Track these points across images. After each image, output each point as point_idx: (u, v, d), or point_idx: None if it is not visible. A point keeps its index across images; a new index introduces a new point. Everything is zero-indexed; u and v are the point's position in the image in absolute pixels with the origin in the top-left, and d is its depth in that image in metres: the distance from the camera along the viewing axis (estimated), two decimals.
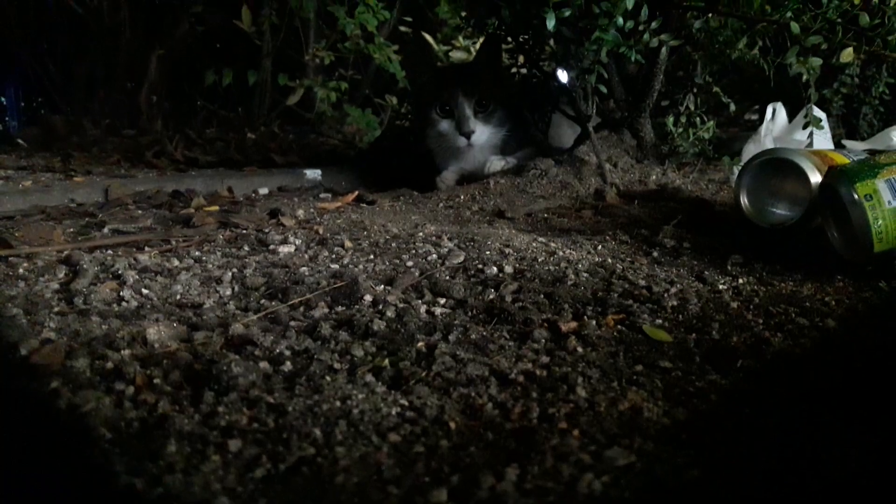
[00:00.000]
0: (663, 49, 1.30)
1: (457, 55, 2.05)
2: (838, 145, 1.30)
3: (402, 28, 2.23)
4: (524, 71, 1.62)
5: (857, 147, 1.20)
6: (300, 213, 1.18)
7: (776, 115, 1.30)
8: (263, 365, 0.57)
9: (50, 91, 2.61)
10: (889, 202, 0.76)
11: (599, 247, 0.96)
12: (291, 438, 0.46)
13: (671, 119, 1.38)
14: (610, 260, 0.88)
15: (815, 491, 0.40)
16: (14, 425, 0.54)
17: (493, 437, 0.46)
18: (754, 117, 1.91)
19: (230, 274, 0.83)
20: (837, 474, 0.42)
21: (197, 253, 0.93)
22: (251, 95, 2.38)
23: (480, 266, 0.84)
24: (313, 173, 1.70)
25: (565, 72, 1.40)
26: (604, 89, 1.32)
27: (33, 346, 0.60)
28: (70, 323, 0.66)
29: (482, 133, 1.47)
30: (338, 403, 0.50)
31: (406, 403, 0.51)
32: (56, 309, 0.71)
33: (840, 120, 1.56)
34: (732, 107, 1.35)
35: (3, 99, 2.99)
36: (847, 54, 1.12)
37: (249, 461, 0.43)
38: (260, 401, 0.51)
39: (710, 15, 1.29)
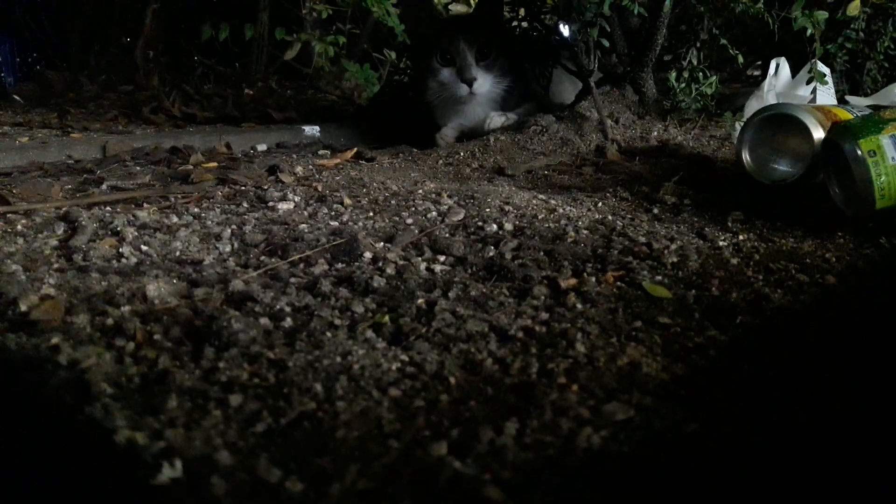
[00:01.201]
0: (666, 2, 1.27)
1: (457, 8, 2.01)
2: (842, 101, 1.29)
3: None
4: (525, 25, 1.59)
5: (860, 103, 1.19)
6: (299, 169, 1.17)
7: (779, 71, 1.28)
8: (264, 321, 0.57)
9: (45, 46, 2.57)
10: (893, 158, 0.75)
11: (600, 204, 0.95)
12: (292, 393, 0.46)
13: (674, 74, 1.37)
14: (610, 217, 0.87)
15: (814, 445, 0.41)
16: (14, 381, 0.54)
17: (492, 392, 0.47)
18: (757, 73, 1.89)
19: (229, 230, 0.83)
20: (837, 428, 0.42)
21: (196, 209, 0.92)
22: (248, 50, 2.34)
23: (480, 223, 0.84)
24: (312, 130, 1.69)
25: (567, 25, 1.38)
26: (606, 43, 1.30)
27: (33, 301, 0.60)
28: (69, 279, 0.66)
29: (484, 81, 1.45)
30: (338, 359, 0.51)
31: (406, 359, 0.51)
32: (55, 265, 0.71)
33: (844, 75, 1.54)
34: (740, 59, 1.33)
35: None
36: (853, 7, 1.10)
37: (250, 416, 0.44)
38: (260, 356, 0.51)
39: None
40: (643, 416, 0.43)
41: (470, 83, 1.43)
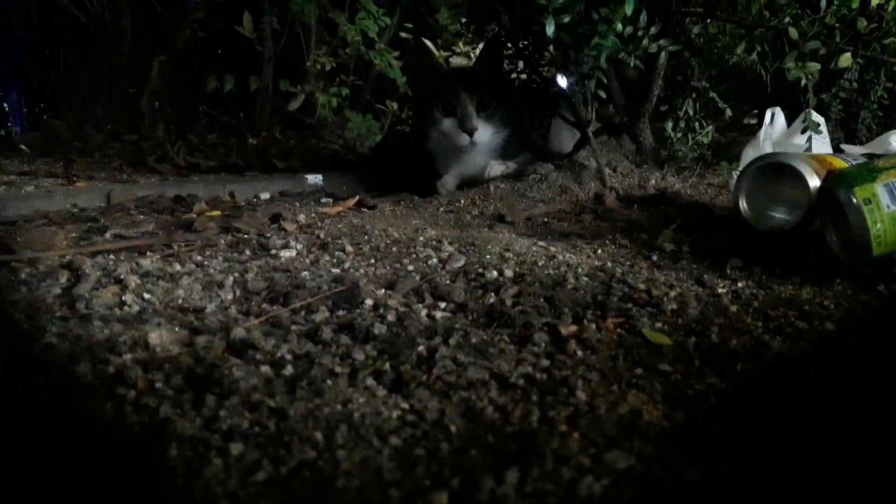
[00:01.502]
0: (662, 54, 1.30)
1: (457, 61, 2.05)
2: (837, 150, 1.31)
3: (403, 34, 2.23)
4: (524, 76, 1.63)
5: (855, 151, 1.21)
6: (301, 217, 1.19)
7: (775, 120, 1.31)
8: (265, 369, 0.58)
9: (52, 96, 2.62)
10: (888, 206, 0.76)
11: (599, 251, 0.96)
12: (293, 442, 0.46)
13: (670, 124, 1.39)
14: (609, 264, 0.88)
15: (815, 492, 0.40)
16: (17, 428, 0.54)
17: (493, 440, 0.47)
18: (753, 122, 1.92)
19: (232, 278, 0.83)
20: (837, 476, 0.42)
21: (199, 257, 0.93)
22: (253, 101, 2.38)
23: (481, 270, 0.84)
24: (315, 178, 1.71)
25: (565, 77, 1.41)
26: (603, 94, 1.33)
27: (35, 351, 0.60)
28: (72, 328, 0.67)
29: (484, 131, 1.47)
30: (339, 407, 0.51)
31: (407, 407, 0.51)
32: (58, 314, 0.71)
33: (839, 124, 1.57)
34: (728, 112, 1.35)
35: (5, 104, 3.00)
36: (845, 59, 1.13)
37: (251, 465, 0.44)
38: (261, 404, 0.51)
39: (708, 20, 1.30)
40: (644, 465, 0.42)
41: (471, 133, 1.46)
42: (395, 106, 2.29)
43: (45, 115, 2.72)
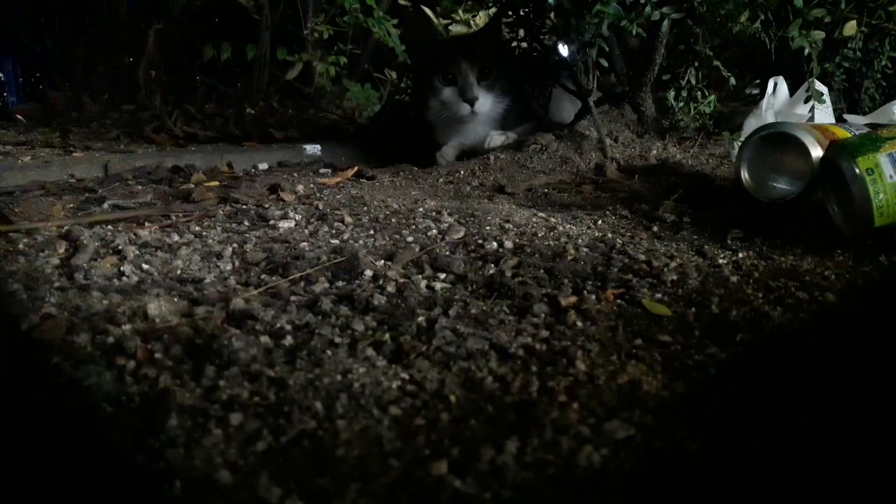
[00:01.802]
0: (665, 22, 1.28)
1: (456, 29, 2.03)
2: (840, 119, 1.30)
3: (402, 2, 2.20)
4: (525, 45, 1.61)
5: (858, 121, 1.20)
6: (300, 188, 1.18)
7: (777, 90, 1.29)
8: (264, 339, 0.58)
9: (48, 66, 2.59)
10: (890, 176, 0.76)
11: (599, 222, 0.95)
12: (292, 412, 0.46)
13: (672, 93, 1.37)
14: (610, 235, 0.88)
15: (814, 462, 0.41)
16: (17, 400, 0.54)
17: (493, 410, 0.47)
18: (755, 91, 1.90)
19: (230, 249, 0.83)
20: (836, 446, 0.42)
21: (197, 228, 0.93)
22: (250, 70, 2.36)
23: (480, 241, 0.84)
24: (313, 148, 1.70)
25: (566, 45, 1.39)
26: (605, 63, 1.31)
27: (34, 321, 0.60)
28: (71, 298, 0.66)
29: (485, 101, 1.46)
30: (339, 377, 0.51)
31: (407, 377, 0.51)
32: (56, 284, 0.71)
33: (842, 94, 1.55)
34: (732, 81, 1.34)
35: (1, 74, 2.97)
36: (850, 27, 1.11)
37: (251, 435, 0.44)
38: (261, 375, 0.51)
39: None
40: (644, 435, 0.43)
41: (472, 102, 1.44)
42: (394, 75, 2.26)
43: (41, 85, 2.69)
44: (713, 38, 1.35)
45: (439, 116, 1.53)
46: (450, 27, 2.05)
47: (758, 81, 1.82)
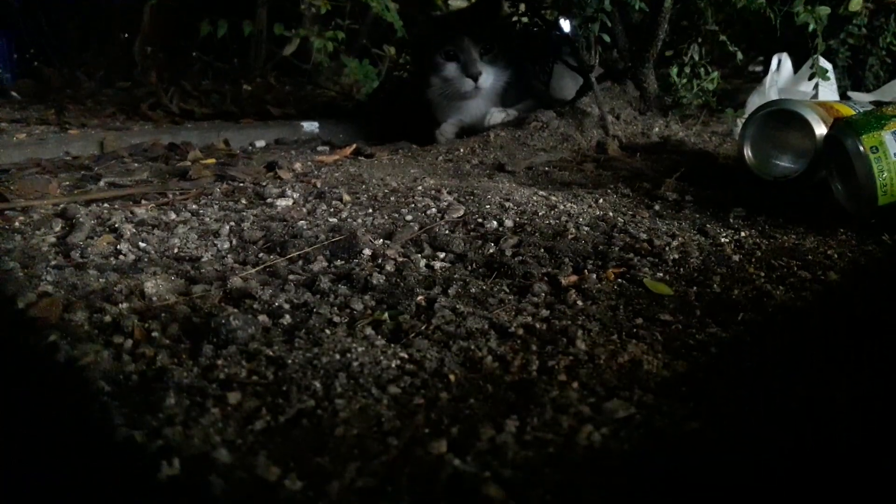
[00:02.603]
0: None
1: (456, 3, 2.00)
2: (844, 97, 1.28)
3: None
4: (526, 20, 1.59)
5: (863, 99, 1.19)
6: (297, 166, 1.17)
7: (781, 66, 1.28)
8: (262, 318, 0.57)
9: (43, 42, 2.56)
10: (895, 154, 0.75)
11: (601, 200, 0.95)
12: (291, 391, 0.46)
13: (675, 70, 1.36)
14: (611, 213, 0.87)
15: (815, 442, 0.40)
16: (13, 379, 0.54)
17: (492, 390, 0.46)
18: (759, 69, 1.88)
19: (228, 227, 0.82)
20: (837, 426, 0.42)
21: (194, 206, 0.92)
22: (247, 46, 2.33)
23: (480, 220, 0.83)
24: (310, 126, 1.68)
25: (568, 20, 1.37)
26: (607, 38, 1.29)
27: (31, 299, 0.60)
28: (67, 276, 0.66)
29: (488, 76, 1.44)
30: (337, 356, 0.50)
31: (406, 356, 0.51)
32: (53, 262, 0.71)
33: (846, 71, 1.53)
34: (740, 56, 1.32)
35: None
36: (855, 3, 1.09)
37: (249, 414, 0.43)
38: (259, 354, 0.51)
39: None
40: (644, 414, 0.42)
41: (475, 78, 1.43)
42: (393, 51, 2.24)
43: (36, 61, 2.67)
44: (717, 14, 1.34)
45: (441, 93, 1.51)
46: (449, 2, 2.02)
47: (761, 58, 1.80)
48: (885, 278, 0.67)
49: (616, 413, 0.42)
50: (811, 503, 0.36)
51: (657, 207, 0.91)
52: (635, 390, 0.45)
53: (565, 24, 1.38)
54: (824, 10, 1.12)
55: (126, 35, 2.39)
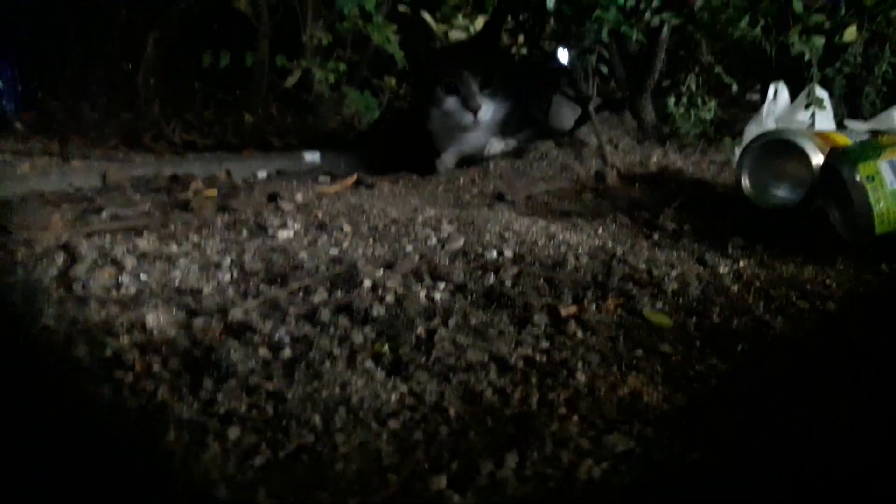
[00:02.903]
0: (665, 28, 1.28)
1: (456, 35, 2.03)
2: (840, 125, 1.29)
3: (401, 7, 2.20)
4: (525, 51, 1.61)
5: (859, 127, 1.19)
6: (299, 196, 1.18)
7: (778, 95, 1.29)
8: (262, 351, 0.57)
9: (47, 74, 2.59)
10: (891, 183, 0.75)
11: (600, 230, 0.95)
12: (290, 426, 0.46)
13: (672, 99, 1.37)
14: (610, 243, 0.87)
15: (815, 474, 0.40)
16: (14, 414, 0.54)
17: (492, 423, 0.46)
18: (756, 97, 1.90)
19: (229, 259, 0.82)
20: (837, 457, 0.42)
21: (195, 238, 0.92)
22: (249, 78, 2.35)
23: (480, 250, 0.84)
24: (312, 156, 1.69)
25: (566, 51, 1.39)
26: (605, 69, 1.31)
27: (32, 334, 0.60)
28: (69, 310, 0.66)
29: (488, 109, 1.45)
30: (337, 390, 0.50)
31: (406, 390, 0.51)
32: (55, 296, 0.71)
33: (843, 100, 1.55)
34: (735, 87, 1.34)
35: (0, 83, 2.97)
36: (850, 33, 1.11)
37: (249, 449, 0.43)
38: (259, 388, 0.51)
39: None
40: (644, 447, 0.42)
41: (475, 112, 1.44)
42: (393, 82, 2.26)
43: (40, 92, 2.70)
44: (714, 44, 1.35)
45: (441, 125, 1.53)
46: (448, 33, 2.05)
47: (759, 87, 1.82)
48: (883, 307, 0.67)
49: (616, 447, 0.42)
50: None
51: (656, 237, 0.91)
52: (635, 423, 0.45)
53: (563, 55, 1.40)
54: (819, 41, 1.14)
55: (129, 66, 2.42)
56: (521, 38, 1.63)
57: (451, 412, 0.48)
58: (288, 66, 2.12)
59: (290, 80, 2.05)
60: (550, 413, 0.47)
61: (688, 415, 0.47)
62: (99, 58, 2.46)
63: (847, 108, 1.56)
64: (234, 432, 0.45)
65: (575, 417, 0.46)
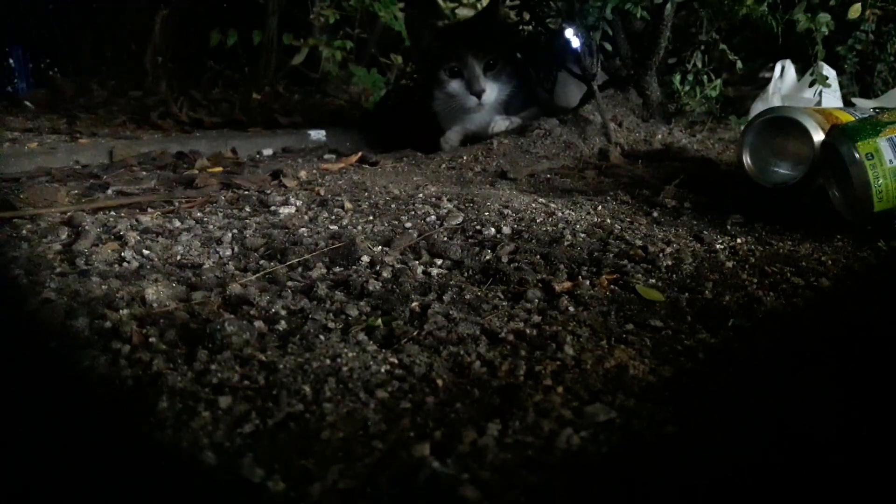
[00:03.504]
0: (669, 5, 1.27)
1: (463, 12, 2.02)
2: (849, 103, 1.28)
3: None
4: (529, 28, 1.60)
5: (866, 105, 1.18)
6: (302, 174, 1.18)
7: (785, 73, 1.28)
8: (259, 324, 0.58)
9: (57, 53, 2.60)
10: (890, 161, 0.75)
11: (599, 207, 0.95)
12: (281, 395, 0.47)
13: (678, 77, 1.36)
14: (609, 220, 0.87)
15: (798, 443, 0.41)
16: (15, 383, 0.55)
17: (478, 394, 0.47)
18: (768, 75, 1.88)
19: (230, 235, 0.83)
20: (819, 428, 0.42)
21: (199, 214, 0.93)
22: (256, 55, 2.36)
23: (478, 227, 0.84)
24: (318, 134, 1.70)
25: (571, 29, 1.38)
26: (609, 47, 1.30)
27: (33, 306, 0.61)
28: (70, 283, 0.67)
29: (492, 91, 1.45)
30: (328, 361, 0.51)
31: (396, 361, 0.52)
32: (57, 270, 0.72)
33: (855, 77, 1.53)
34: (739, 64, 1.33)
35: (10, 61, 2.98)
36: (854, 10, 1.10)
37: (239, 417, 0.44)
38: (252, 359, 0.52)
39: None
40: (624, 418, 0.43)
41: (479, 95, 1.44)
42: (400, 59, 2.25)
43: (50, 71, 2.71)
44: (719, 21, 1.34)
45: (445, 107, 1.53)
46: (456, 10, 2.04)
47: (771, 65, 1.80)
48: (879, 284, 0.67)
49: (597, 417, 0.43)
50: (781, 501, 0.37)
51: (655, 214, 0.91)
52: (618, 395, 0.46)
53: (568, 32, 1.39)
54: (824, 18, 1.13)
55: (137, 45, 2.42)
56: (526, 15, 1.62)
57: (440, 383, 0.49)
58: (295, 44, 2.12)
59: (298, 58, 2.05)
60: (536, 385, 0.48)
61: (672, 387, 0.48)
62: (108, 36, 2.47)
63: (859, 86, 1.54)
64: (224, 401, 0.46)
65: (560, 389, 0.47)
